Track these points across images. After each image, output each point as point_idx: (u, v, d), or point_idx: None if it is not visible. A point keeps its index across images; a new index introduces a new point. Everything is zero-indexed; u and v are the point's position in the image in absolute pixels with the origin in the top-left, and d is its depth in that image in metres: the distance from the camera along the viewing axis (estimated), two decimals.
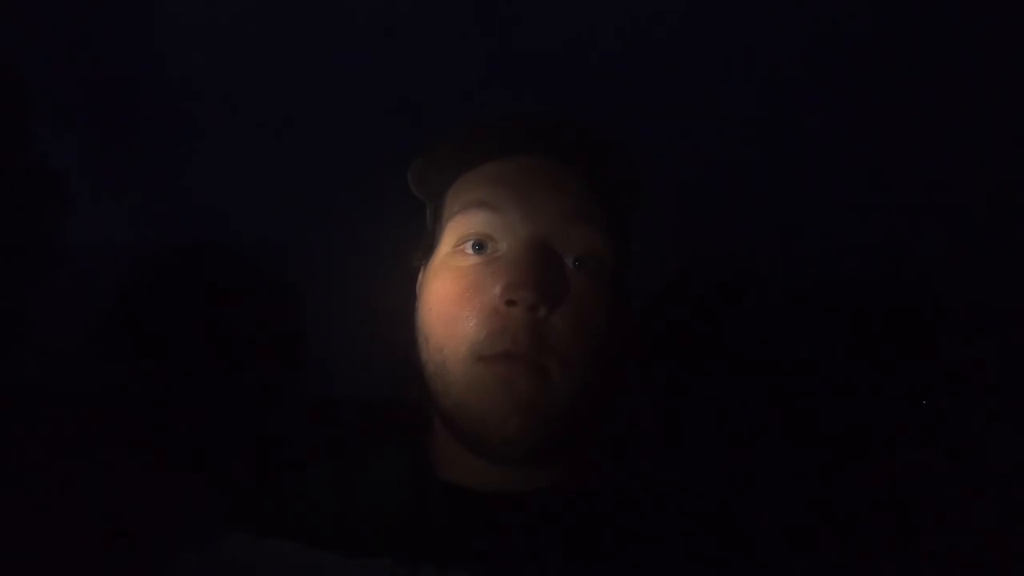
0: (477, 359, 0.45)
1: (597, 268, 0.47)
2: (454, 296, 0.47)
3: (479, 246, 0.48)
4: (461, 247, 0.48)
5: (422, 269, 0.54)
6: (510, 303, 0.44)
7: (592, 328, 0.46)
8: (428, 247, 0.53)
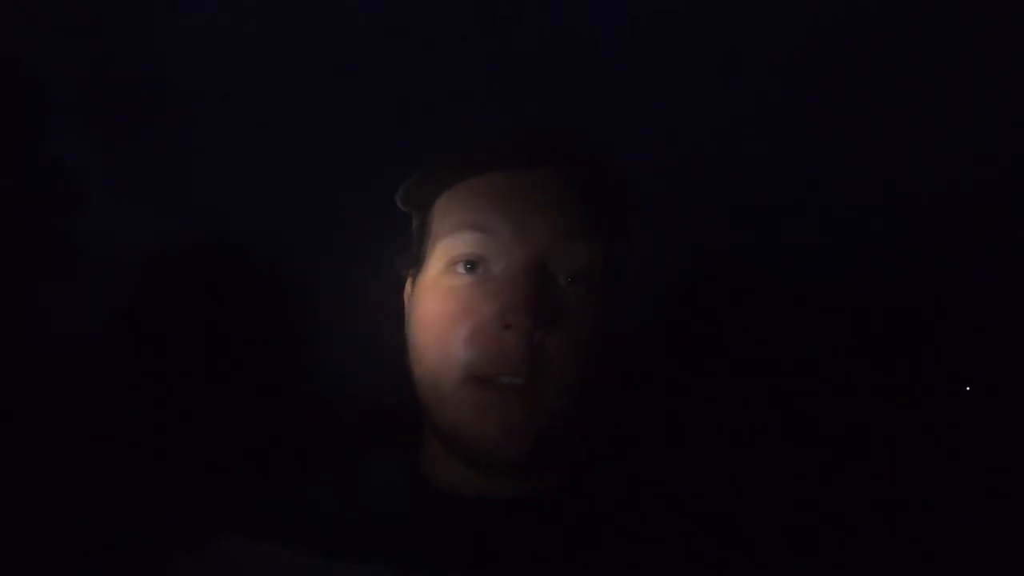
0: (470, 380, 0.44)
1: (592, 283, 0.47)
2: (446, 317, 0.46)
3: (471, 266, 0.47)
4: (452, 267, 0.47)
5: (410, 280, 0.53)
6: (506, 327, 0.44)
7: (588, 345, 0.45)
8: (415, 259, 0.52)
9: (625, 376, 0.49)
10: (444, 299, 0.47)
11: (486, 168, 0.48)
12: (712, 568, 0.45)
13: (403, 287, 0.53)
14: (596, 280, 0.46)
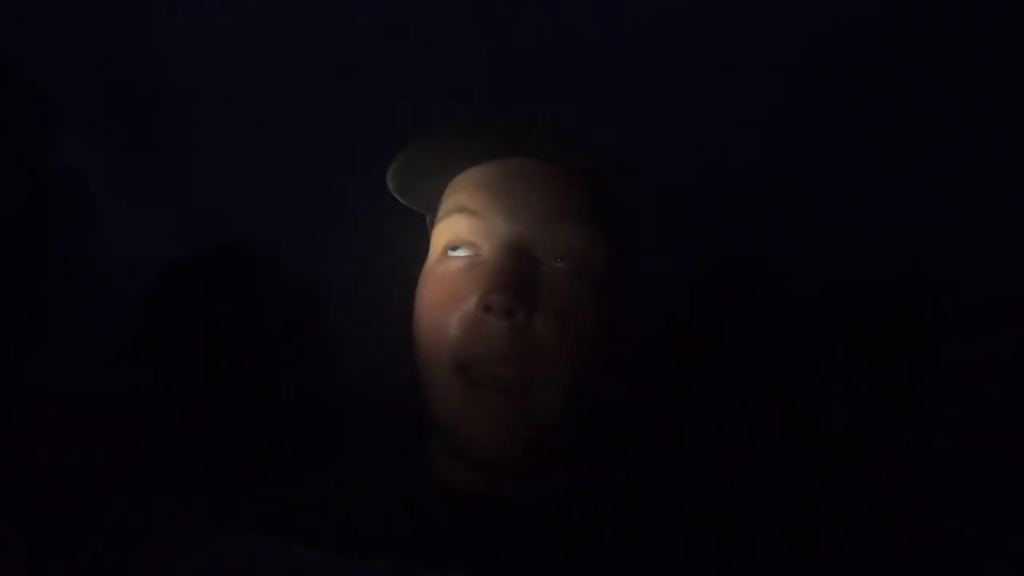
0: (460, 376, 0.44)
1: (583, 267, 0.46)
2: (437, 304, 0.46)
3: (461, 251, 0.47)
4: (445, 253, 0.48)
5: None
6: (486, 309, 0.43)
7: (578, 330, 0.45)
8: (426, 253, 0.52)
9: (625, 374, 0.49)
10: (436, 287, 0.47)
11: (482, 157, 0.48)
12: (721, 567, 0.45)
13: (416, 279, 0.54)
14: (588, 265, 0.46)
